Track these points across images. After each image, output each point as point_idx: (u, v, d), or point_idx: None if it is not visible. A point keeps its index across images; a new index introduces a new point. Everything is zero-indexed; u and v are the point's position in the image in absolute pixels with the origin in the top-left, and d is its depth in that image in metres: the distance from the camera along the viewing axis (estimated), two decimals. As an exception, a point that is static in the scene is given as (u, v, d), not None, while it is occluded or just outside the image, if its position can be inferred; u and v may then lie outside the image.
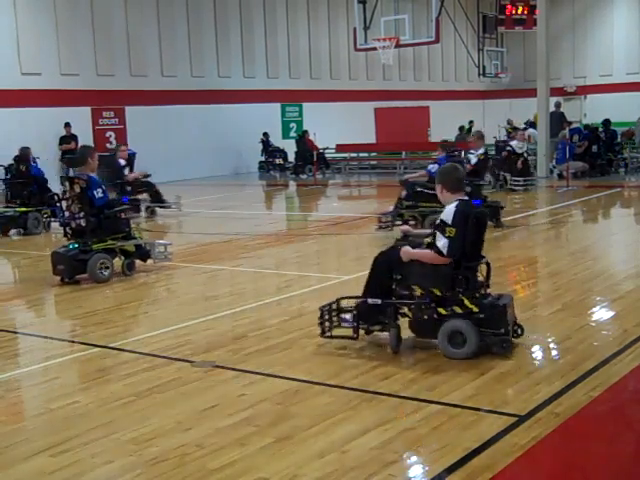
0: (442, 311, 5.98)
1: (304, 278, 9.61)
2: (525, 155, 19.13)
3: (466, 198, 6.20)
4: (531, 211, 16.05)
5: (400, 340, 6.10)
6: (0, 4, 21.61)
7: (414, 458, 4.42)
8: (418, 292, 6.08)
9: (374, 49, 25.29)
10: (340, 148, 27.63)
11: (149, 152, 23.51)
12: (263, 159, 27.56)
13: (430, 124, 33.53)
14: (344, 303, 6.51)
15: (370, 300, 6.17)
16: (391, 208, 12.64)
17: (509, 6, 32.46)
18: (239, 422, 4.91)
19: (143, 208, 16.09)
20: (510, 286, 8.93)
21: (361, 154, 28.73)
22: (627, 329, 6.67)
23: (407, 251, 6.17)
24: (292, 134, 28.99)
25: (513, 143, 19.53)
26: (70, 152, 21.52)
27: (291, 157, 26.97)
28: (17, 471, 4.38)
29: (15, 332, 7.74)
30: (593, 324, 7.17)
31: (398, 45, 25.09)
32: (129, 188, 15.66)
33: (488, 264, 6.29)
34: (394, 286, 6.23)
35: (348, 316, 6.34)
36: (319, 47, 31.09)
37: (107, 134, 24.35)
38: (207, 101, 26.38)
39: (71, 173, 16.93)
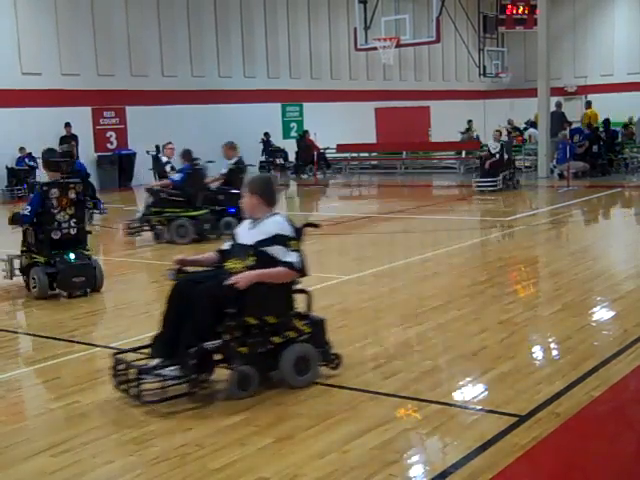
0: (277, 339, 5.39)
1: (304, 278, 9.57)
2: (497, 156, 19.06)
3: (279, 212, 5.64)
4: (532, 211, 16.05)
5: (246, 383, 5.26)
6: (1, 4, 21.63)
7: (415, 458, 4.41)
8: (251, 323, 5.28)
9: (374, 49, 25.31)
10: (341, 148, 27.65)
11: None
12: (264, 159, 27.56)
13: (431, 124, 33.56)
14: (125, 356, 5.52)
15: (209, 344, 5.15)
16: (138, 215, 13.02)
17: (510, 6, 32.47)
18: (239, 422, 4.90)
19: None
20: (511, 286, 8.94)
21: (362, 154, 28.75)
22: (627, 329, 6.67)
23: (248, 275, 5.23)
24: (293, 134, 29.02)
25: (489, 143, 19.67)
26: (70, 153, 21.49)
27: (292, 157, 26.98)
28: (18, 471, 4.38)
29: (15, 332, 7.73)
30: (594, 324, 7.17)
31: (398, 45, 25.11)
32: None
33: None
34: (227, 322, 5.22)
35: (172, 370, 5.17)
36: (319, 47, 31.09)
37: (107, 134, 24.37)
38: (207, 101, 26.39)
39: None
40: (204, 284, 5.28)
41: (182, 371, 5.13)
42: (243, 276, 5.21)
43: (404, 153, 26.80)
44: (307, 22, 30.65)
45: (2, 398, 5.54)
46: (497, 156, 19.03)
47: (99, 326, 7.64)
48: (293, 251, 5.39)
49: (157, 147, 17.49)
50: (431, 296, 8.27)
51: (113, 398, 5.39)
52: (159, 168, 15.63)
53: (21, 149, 21.63)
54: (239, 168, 13.26)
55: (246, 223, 5.64)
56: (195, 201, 12.64)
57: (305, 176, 25.46)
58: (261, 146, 27.44)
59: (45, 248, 8.77)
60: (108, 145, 24.34)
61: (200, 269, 5.76)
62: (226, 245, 5.69)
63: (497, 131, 19.88)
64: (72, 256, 8.79)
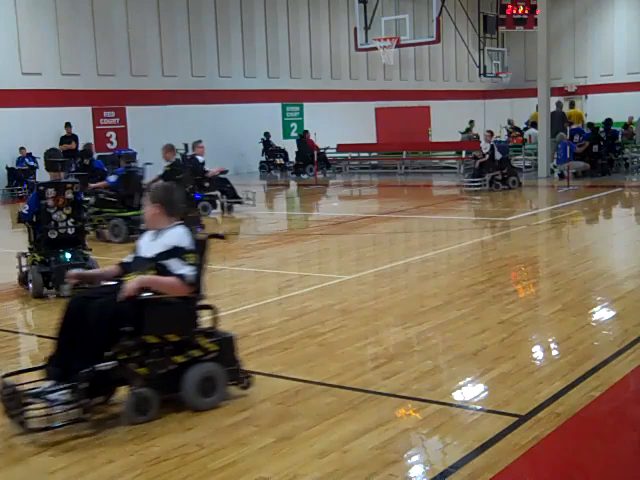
0: (179, 359, 5.06)
1: (305, 278, 9.61)
2: (486, 156, 19.13)
3: (183, 222, 5.39)
4: (532, 211, 16.05)
5: (144, 407, 4.92)
6: (1, 4, 21.62)
7: (415, 458, 4.42)
8: (151, 342, 4.97)
9: (375, 49, 25.29)
10: (341, 148, 27.64)
11: (149, 152, 23.48)
12: (264, 159, 27.56)
13: (431, 124, 33.54)
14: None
15: (101, 366, 4.79)
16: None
17: (510, 6, 32.44)
18: (240, 422, 4.91)
19: (219, 204, 16.23)
20: (511, 286, 8.94)
21: (362, 154, 28.74)
22: (628, 329, 6.67)
23: (135, 281, 4.96)
24: (293, 134, 29.01)
25: (481, 143, 19.80)
26: (71, 152, 21.54)
27: (292, 157, 26.98)
28: (19, 470, 4.38)
29: (16, 332, 7.74)
30: (594, 324, 7.17)
31: (399, 45, 25.09)
32: (207, 184, 15.88)
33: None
34: (124, 342, 4.89)
35: (62, 394, 4.79)
36: (320, 47, 31.09)
37: (108, 134, 24.37)
38: (208, 101, 26.40)
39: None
40: (97, 300, 4.95)
41: (73, 395, 4.74)
42: (133, 281, 4.95)
43: (404, 153, 26.79)
44: (307, 22, 30.64)
45: None
46: (487, 156, 19.13)
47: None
48: (189, 265, 5.09)
49: (185, 145, 17.76)
50: (431, 296, 8.28)
51: (114, 398, 5.39)
52: (198, 167, 15.81)
53: (21, 149, 21.63)
54: (173, 170, 13.71)
55: (148, 234, 5.40)
56: (131, 202, 13.00)
57: (305, 176, 25.45)
58: (261, 146, 27.43)
59: (42, 247, 8.80)
60: (108, 145, 24.33)
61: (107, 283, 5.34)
62: (128, 258, 5.43)
63: (488, 132, 19.96)
64: (68, 256, 8.81)
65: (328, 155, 26.95)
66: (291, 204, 20.85)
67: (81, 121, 23.09)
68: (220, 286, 9.70)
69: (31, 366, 5.53)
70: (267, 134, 27.48)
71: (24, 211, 8.86)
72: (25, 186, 21.36)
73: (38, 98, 22.13)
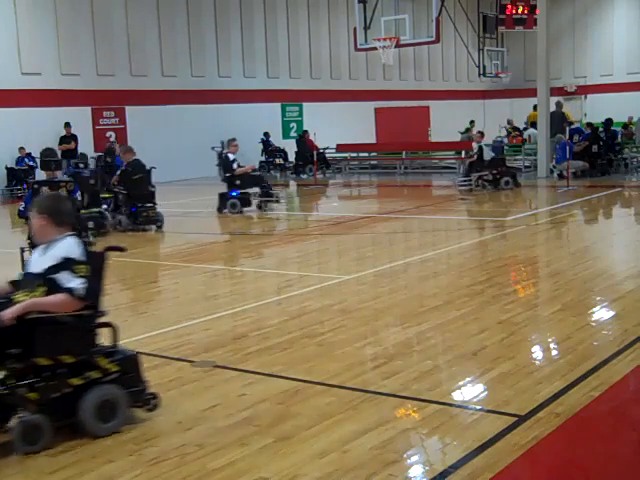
0: (75, 381, 4.69)
1: (305, 278, 9.61)
2: (475, 156, 19.31)
3: (75, 233, 5.03)
4: (532, 211, 16.05)
5: (34, 435, 4.53)
6: (1, 4, 21.61)
7: (414, 458, 4.41)
8: (42, 364, 4.61)
9: (374, 49, 25.29)
10: (340, 148, 27.63)
11: (149, 152, 23.46)
12: (263, 159, 27.54)
13: (430, 124, 33.55)
14: None
15: None
16: None
17: (509, 6, 32.46)
18: (239, 422, 4.90)
19: (254, 202, 16.35)
20: (511, 286, 8.94)
21: (361, 154, 28.75)
22: (627, 329, 6.67)
23: (16, 308, 4.55)
24: (292, 134, 29.01)
25: (473, 144, 19.97)
26: (70, 152, 21.58)
27: (291, 157, 26.98)
28: (16, 470, 4.38)
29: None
30: (593, 324, 7.17)
31: (398, 45, 25.09)
32: (238, 182, 16.05)
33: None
34: (12, 365, 4.54)
35: None
36: (319, 47, 31.09)
37: (107, 134, 24.35)
38: (207, 101, 26.40)
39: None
40: None
41: None
42: (10, 310, 4.53)
43: (404, 153, 26.80)
44: (307, 22, 30.64)
45: None
46: (475, 157, 19.28)
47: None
48: (79, 277, 4.71)
49: (222, 143, 18.01)
50: (431, 296, 8.28)
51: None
52: (227, 165, 16.12)
53: (21, 149, 21.63)
54: (129, 170, 14.08)
55: (39, 249, 5.02)
56: (82, 201, 13.25)
57: (305, 176, 25.45)
58: (261, 146, 27.42)
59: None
60: (108, 145, 24.32)
61: None
62: (17, 275, 5.06)
63: (479, 132, 20.19)
64: None
65: (327, 155, 26.95)
66: (290, 204, 20.84)
67: (81, 121, 23.09)
68: (219, 286, 9.72)
69: None
70: (267, 134, 27.47)
71: (21, 208, 8.98)
72: (25, 186, 21.35)
73: (38, 98, 22.13)
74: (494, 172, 19.03)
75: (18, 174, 21.60)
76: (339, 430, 4.71)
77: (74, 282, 4.70)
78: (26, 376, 4.58)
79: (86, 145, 23.20)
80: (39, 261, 4.88)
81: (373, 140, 31.44)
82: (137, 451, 4.53)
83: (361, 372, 5.81)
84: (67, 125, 22.44)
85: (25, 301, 4.63)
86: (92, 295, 4.79)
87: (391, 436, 4.59)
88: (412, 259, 10.79)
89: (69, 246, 4.82)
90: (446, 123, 31.66)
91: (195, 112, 25.88)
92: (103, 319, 4.97)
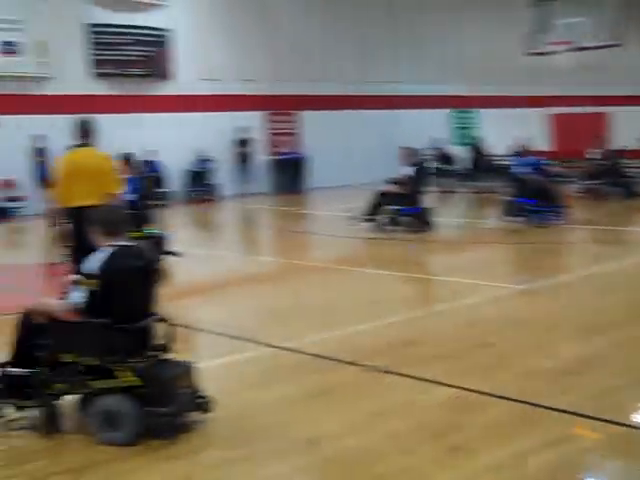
0: (95, 385, 4.83)
1: (478, 286, 9.37)
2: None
3: (127, 244, 5.12)
4: None
5: (55, 421, 4.91)
6: (183, 15, 22.67)
7: (593, 480, 4.20)
8: (69, 361, 4.88)
9: (549, 53, 24.52)
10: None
11: (324, 157, 24.02)
12: (434, 165, 27.36)
13: (607, 131, 32.10)
14: None
15: (13, 370, 5.00)
16: None
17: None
18: (409, 429, 4.84)
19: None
20: None
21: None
22: None
23: (36, 303, 5.15)
24: (464, 140, 28.64)
25: None
26: (245, 155, 22.48)
27: (464, 164, 26.63)
28: (192, 461, 4.52)
29: (193, 328, 8.01)
30: None
31: (576, 48, 24.20)
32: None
33: (166, 322, 5.15)
34: (38, 353, 4.95)
35: None
36: (490, 51, 30.47)
37: (281, 138, 24.99)
38: (381, 106, 26.53)
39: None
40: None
41: None
42: (32, 304, 5.13)
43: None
44: (477, 25, 30.18)
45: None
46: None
47: (270, 326, 7.80)
48: (83, 290, 4.90)
49: (415, 151, 17.38)
50: (609, 311, 7.86)
51: (285, 398, 5.48)
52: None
53: (199, 152, 22.56)
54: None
55: None
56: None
57: (477, 183, 25.00)
58: (432, 152, 27.27)
59: None
60: (281, 149, 24.96)
61: None
62: None
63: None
64: None
65: (500, 162, 26.35)
66: (463, 211, 20.56)
67: (255, 125, 23.84)
68: (388, 291, 9.69)
69: None
70: (436, 140, 27.31)
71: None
72: (203, 187, 22.29)
73: (216, 103, 23.01)
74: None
75: (197, 176, 22.55)
76: (513, 444, 4.54)
77: (76, 295, 4.93)
78: (53, 368, 4.89)
79: (260, 149, 24.01)
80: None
81: (547, 147, 30.45)
82: (308, 451, 4.56)
83: (535, 385, 5.59)
84: (243, 130, 23.23)
85: (40, 300, 5.18)
86: (96, 309, 4.84)
87: (570, 455, 4.37)
88: (592, 271, 10.30)
89: (95, 258, 4.98)
90: (629, 130, 30.20)
91: (369, 117, 26.03)
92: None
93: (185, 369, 5.07)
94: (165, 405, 4.76)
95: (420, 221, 14.03)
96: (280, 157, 24.74)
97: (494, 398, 5.34)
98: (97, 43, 21.03)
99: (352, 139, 25.63)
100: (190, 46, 22.63)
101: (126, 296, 4.95)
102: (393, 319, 7.80)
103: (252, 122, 23.75)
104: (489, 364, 6.15)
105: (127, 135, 18.22)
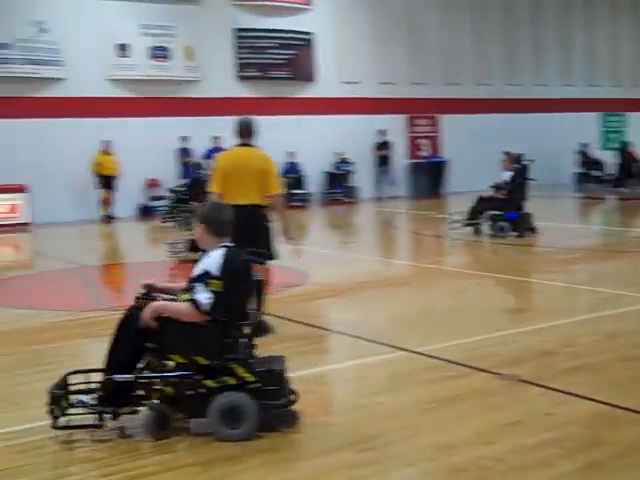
0: (210, 384, 4.84)
1: (621, 297, 8.97)
2: None
3: (232, 245, 5.11)
4: None
5: (164, 424, 4.85)
6: (323, 18, 22.92)
7: None
8: (178, 362, 4.91)
9: None
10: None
11: (464, 160, 23.73)
12: (579, 170, 26.50)
13: None
14: (78, 379, 5.17)
15: (118, 377, 4.90)
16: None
17: None
18: (544, 442, 4.66)
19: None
20: None
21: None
22: None
23: (153, 306, 5.00)
24: (613, 145, 27.56)
25: None
26: (384, 158, 22.51)
27: (613, 169, 25.65)
28: (320, 463, 4.51)
29: (327, 329, 8.07)
30: None
31: None
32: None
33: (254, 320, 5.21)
34: (149, 358, 5.00)
35: (85, 398, 5.00)
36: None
37: (421, 142, 24.86)
38: (523, 109, 25.92)
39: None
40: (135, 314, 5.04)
41: (94, 401, 4.93)
42: (150, 306, 4.99)
43: None
44: (630, 24, 28.98)
45: (312, 392, 5.71)
46: None
47: (405, 330, 7.74)
48: (210, 291, 4.85)
49: (519, 157, 16.91)
50: None
51: (415, 402, 5.42)
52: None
53: (338, 154, 22.75)
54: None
55: (202, 255, 5.25)
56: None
57: (626, 190, 24.01)
58: (577, 157, 26.39)
59: None
60: (421, 152, 24.82)
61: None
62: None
63: None
64: None
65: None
66: (607, 218, 19.77)
67: (395, 129, 23.79)
68: (527, 299, 9.44)
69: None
70: (584, 145, 26.40)
71: None
72: (341, 189, 22.47)
73: (356, 106, 23.14)
74: None
75: (336, 178, 22.76)
76: (654, 465, 4.30)
77: (202, 295, 4.85)
78: (162, 371, 4.92)
79: (400, 152, 23.96)
80: (196, 267, 5.10)
81: None
82: (437, 458, 4.47)
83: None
84: (382, 133, 23.23)
85: (157, 303, 5.05)
86: (220, 310, 4.86)
87: None
88: None
89: (212, 259, 4.97)
90: None
91: (509, 121, 25.47)
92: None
93: (283, 363, 5.13)
94: (278, 398, 4.89)
95: (521, 227, 13.74)
96: (420, 161, 24.61)
97: (636, 415, 5.07)
98: (242, 47, 21.61)
99: (492, 143, 25.12)
100: (332, 49, 22.90)
101: (241, 296, 5.07)
102: (530, 327, 7.57)
103: (392, 125, 23.78)
104: (631, 378, 5.85)
105: (269, 137, 18.55)
